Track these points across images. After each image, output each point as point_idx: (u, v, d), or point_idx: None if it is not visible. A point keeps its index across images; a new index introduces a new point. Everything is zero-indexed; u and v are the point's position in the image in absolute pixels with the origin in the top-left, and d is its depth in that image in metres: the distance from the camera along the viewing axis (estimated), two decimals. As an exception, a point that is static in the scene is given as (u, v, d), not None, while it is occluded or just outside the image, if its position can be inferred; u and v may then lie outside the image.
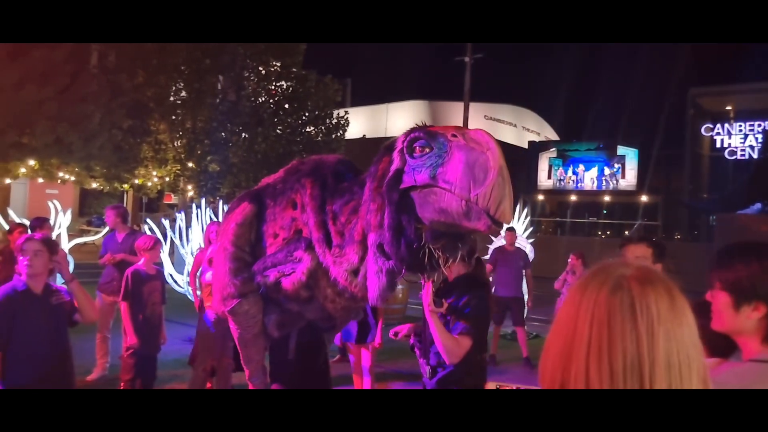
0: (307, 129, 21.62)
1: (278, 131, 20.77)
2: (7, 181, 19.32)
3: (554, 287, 7.76)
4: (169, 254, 8.31)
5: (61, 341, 3.45)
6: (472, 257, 3.31)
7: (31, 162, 17.12)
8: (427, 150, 2.84)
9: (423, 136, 2.89)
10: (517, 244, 9.34)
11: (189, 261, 7.82)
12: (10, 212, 11.74)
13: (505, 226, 10.57)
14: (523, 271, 8.26)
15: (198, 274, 6.35)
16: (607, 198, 32.01)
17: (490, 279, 8.41)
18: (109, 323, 6.53)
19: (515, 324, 8.16)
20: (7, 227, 7.49)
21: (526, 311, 8.69)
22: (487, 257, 10.26)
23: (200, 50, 19.14)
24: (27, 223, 6.91)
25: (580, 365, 0.91)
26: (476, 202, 2.66)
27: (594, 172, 31.83)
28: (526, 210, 11.44)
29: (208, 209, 8.29)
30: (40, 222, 6.31)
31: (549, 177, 32.76)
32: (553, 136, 41.55)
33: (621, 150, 31.14)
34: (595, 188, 31.95)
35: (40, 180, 19.88)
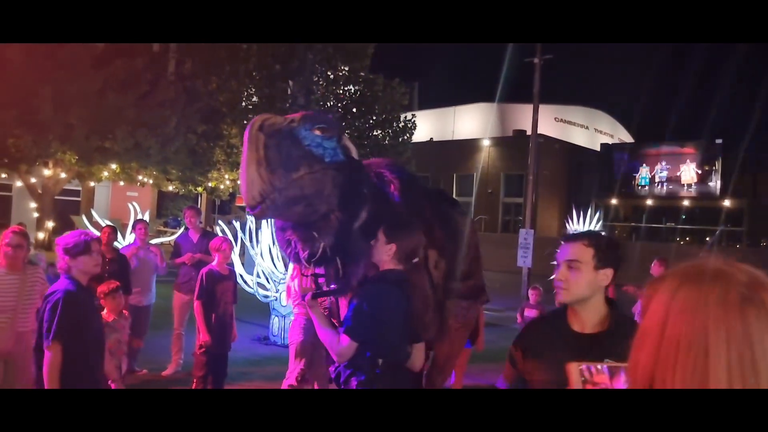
0: (375, 132, 21.77)
1: (346, 135, 20.97)
2: (92, 183, 20.36)
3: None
4: (240, 255, 8.51)
5: (102, 342, 3.53)
6: (412, 257, 2.92)
7: (113, 165, 17.98)
8: None
9: None
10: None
11: (258, 261, 7.98)
12: (94, 213, 12.38)
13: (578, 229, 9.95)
14: None
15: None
16: (686, 202, 30.65)
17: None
18: (184, 321, 6.73)
19: None
20: (92, 228, 7.89)
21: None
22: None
23: (271, 56, 19.60)
24: (109, 223, 7.25)
25: (722, 387, 0.86)
26: None
27: (672, 174, 30.56)
28: (597, 214, 11.08)
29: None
30: (138, 223, 6.73)
31: (623, 180, 31.70)
32: (628, 138, 40.19)
33: (703, 152, 29.77)
34: (673, 192, 30.66)
35: (121, 183, 20.86)
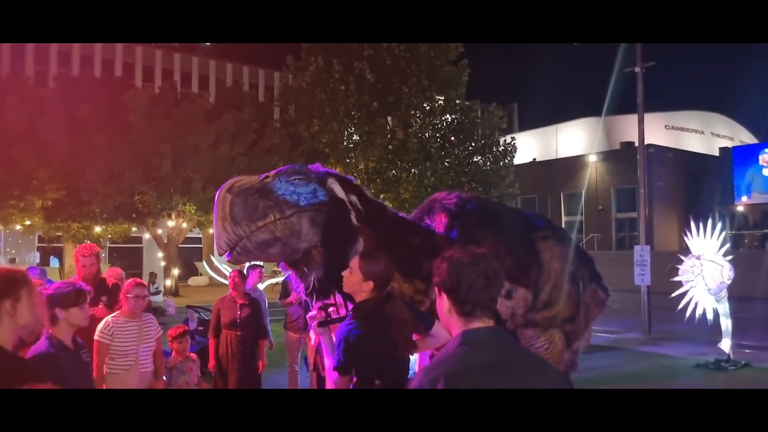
0: (475, 159, 21.66)
1: (446, 164, 21.02)
2: (211, 231, 21.64)
3: None
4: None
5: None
6: (383, 287, 2.88)
7: (229, 212, 19.08)
8: None
9: None
10: (712, 260, 8.45)
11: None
12: (214, 259, 13.21)
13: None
14: None
15: None
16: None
17: None
18: (297, 357, 6.97)
19: None
20: (212, 273, 8.40)
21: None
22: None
23: (368, 94, 20.12)
24: (227, 270, 7.68)
25: None
26: None
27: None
28: (720, 224, 10.31)
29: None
30: (254, 267, 7.09)
31: (749, 185, 29.38)
32: (750, 139, 37.32)
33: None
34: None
35: (237, 228, 22.00)
